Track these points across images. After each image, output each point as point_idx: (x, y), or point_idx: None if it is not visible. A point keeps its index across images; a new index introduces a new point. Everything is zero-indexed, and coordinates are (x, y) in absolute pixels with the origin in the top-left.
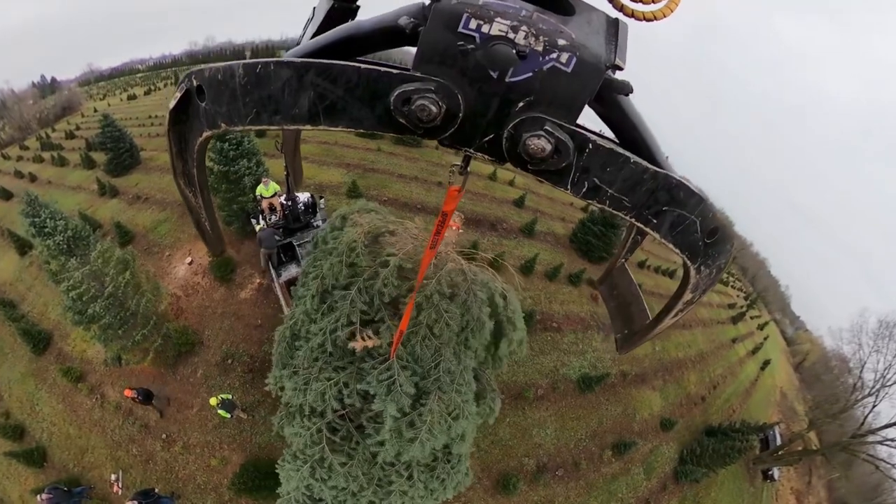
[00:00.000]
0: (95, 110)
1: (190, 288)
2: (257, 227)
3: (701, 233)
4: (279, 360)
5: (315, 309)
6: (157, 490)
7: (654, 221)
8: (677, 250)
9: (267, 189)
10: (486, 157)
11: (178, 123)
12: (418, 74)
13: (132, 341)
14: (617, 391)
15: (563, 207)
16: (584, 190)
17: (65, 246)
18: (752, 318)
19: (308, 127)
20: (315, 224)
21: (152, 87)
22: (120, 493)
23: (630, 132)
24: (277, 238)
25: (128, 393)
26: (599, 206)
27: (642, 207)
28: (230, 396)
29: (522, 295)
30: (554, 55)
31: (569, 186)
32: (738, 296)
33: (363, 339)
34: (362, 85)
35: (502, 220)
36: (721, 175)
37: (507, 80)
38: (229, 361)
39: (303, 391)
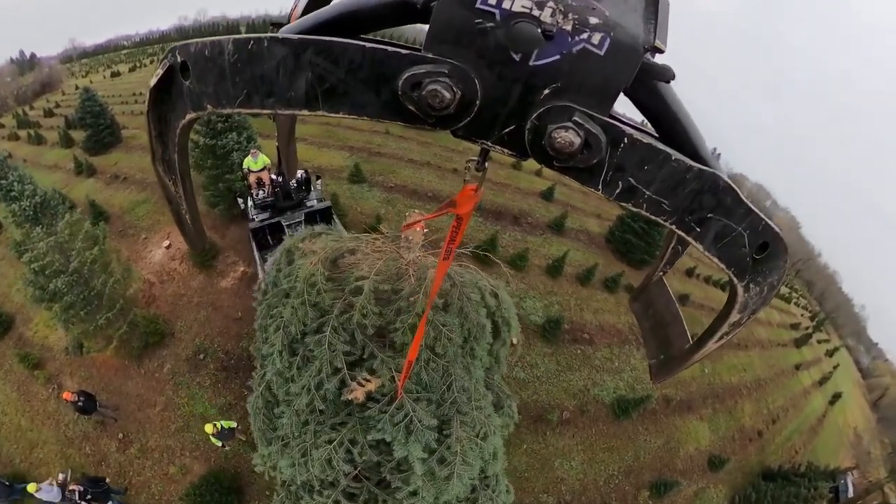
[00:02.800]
0: (77, 87)
1: (165, 274)
2: (249, 209)
3: (749, 247)
4: (261, 436)
5: (287, 366)
6: (107, 481)
7: (698, 230)
8: (722, 265)
9: (255, 162)
10: (506, 151)
11: (160, 103)
12: (430, 56)
13: (94, 325)
14: (658, 419)
15: (598, 203)
16: (618, 191)
17: (31, 213)
18: (819, 342)
19: (305, 112)
20: (308, 203)
21: (137, 64)
22: (69, 494)
23: (671, 124)
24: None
25: (67, 396)
26: (635, 209)
27: (684, 212)
28: (234, 425)
29: (548, 300)
30: (584, 35)
31: (600, 186)
32: (802, 315)
33: (359, 384)
34: (367, 66)
35: (527, 214)
36: (783, 171)
37: (530, 63)
38: (201, 357)
39: (303, 465)
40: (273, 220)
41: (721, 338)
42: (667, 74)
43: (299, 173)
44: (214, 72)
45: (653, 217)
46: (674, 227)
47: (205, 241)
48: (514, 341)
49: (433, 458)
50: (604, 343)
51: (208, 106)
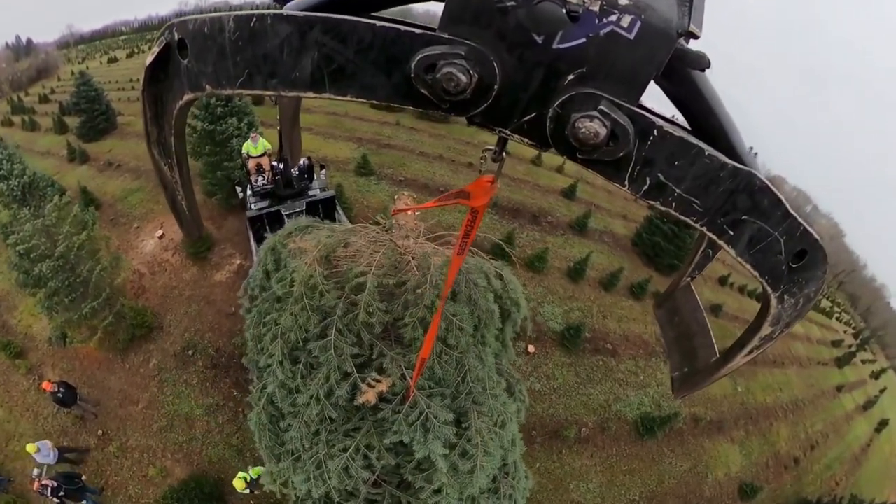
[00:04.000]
0: (73, 74)
1: (157, 265)
2: (247, 197)
3: (785, 254)
4: (269, 453)
5: (290, 376)
6: (83, 478)
7: (730, 233)
8: (756, 273)
9: (255, 146)
10: (526, 140)
11: (156, 83)
12: (446, 36)
13: (79, 314)
14: (685, 440)
15: (624, 203)
16: (646, 188)
17: (19, 193)
18: (863, 362)
19: (310, 94)
20: (311, 193)
21: (135, 50)
22: (41, 489)
23: (705, 117)
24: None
25: (46, 386)
26: (664, 209)
27: (717, 213)
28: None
29: (568, 306)
30: (613, 17)
31: (626, 182)
32: (845, 332)
33: (370, 385)
34: (377, 46)
35: (547, 213)
36: (826, 175)
37: (554, 46)
38: (190, 353)
39: (319, 478)
40: (272, 209)
41: (751, 352)
42: (702, 62)
43: (302, 160)
44: (214, 50)
45: (682, 217)
46: (704, 228)
47: (201, 229)
48: (531, 349)
49: (455, 453)
50: (628, 355)
51: (207, 86)
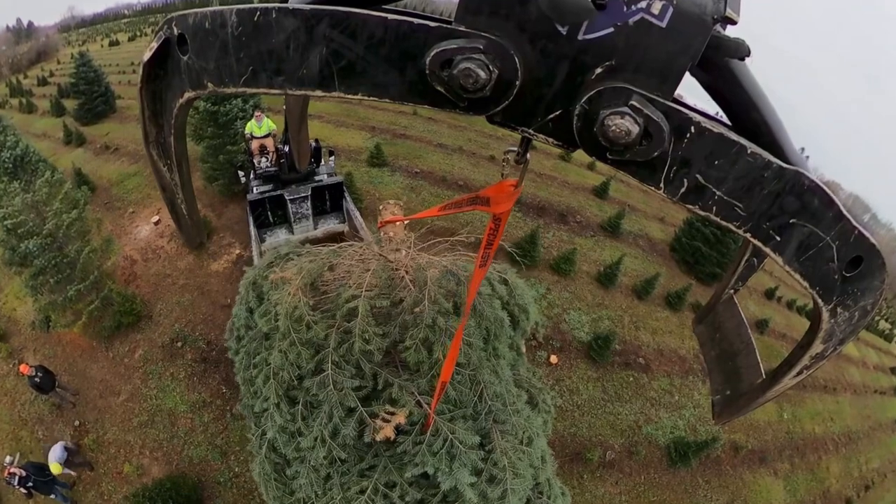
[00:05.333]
0: (73, 57)
1: (150, 252)
2: (251, 181)
3: (838, 261)
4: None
5: (290, 419)
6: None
7: (777, 239)
8: (805, 283)
9: (259, 127)
10: (552, 140)
11: (155, 80)
12: (462, 29)
13: (64, 297)
14: (723, 471)
15: (661, 204)
16: (683, 190)
17: (10, 166)
18: None
19: (318, 93)
20: (317, 178)
21: (137, 33)
22: (9, 478)
23: (746, 111)
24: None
25: (24, 370)
26: (703, 213)
27: (761, 217)
28: None
29: (596, 314)
30: (643, 4)
31: (661, 184)
32: None
33: (384, 420)
34: (389, 41)
35: (575, 212)
36: (886, 180)
37: (579, 37)
38: (179, 345)
39: None
40: (275, 193)
41: (800, 372)
42: (741, 50)
43: (310, 142)
44: (216, 46)
45: (724, 223)
46: (748, 235)
47: (202, 235)
48: (554, 360)
49: (482, 480)
50: (662, 371)
51: (209, 84)
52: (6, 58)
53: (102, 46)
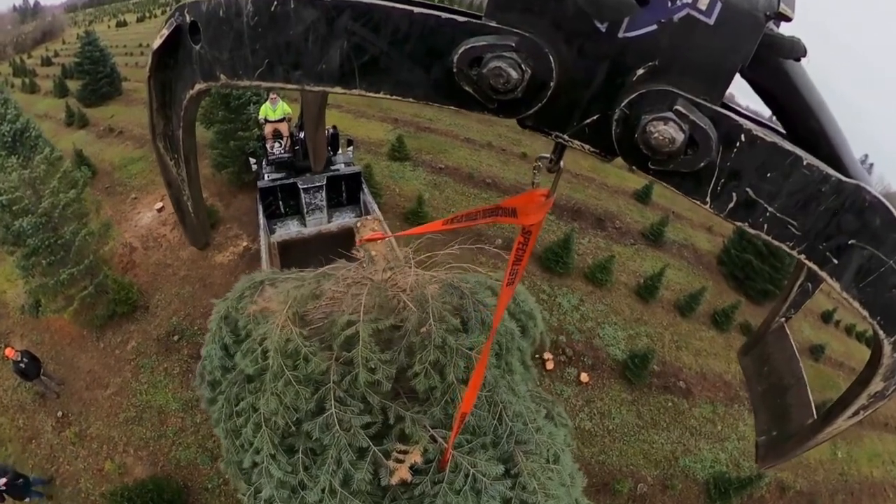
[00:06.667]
0: (79, 37)
1: (151, 240)
2: (262, 168)
3: None
4: None
5: (290, 470)
6: (31, 477)
7: (834, 262)
8: (865, 312)
9: (274, 110)
10: (588, 147)
11: (164, 69)
12: (493, 25)
13: (56, 280)
14: None
15: (710, 212)
16: (732, 205)
17: (9, 140)
18: None
19: (338, 90)
20: (333, 167)
21: (147, 14)
22: None
23: (802, 118)
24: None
25: (9, 353)
26: (753, 231)
27: (817, 237)
28: None
29: (634, 330)
30: None
31: (708, 198)
32: None
33: (397, 461)
34: (414, 36)
35: (614, 217)
36: None
37: (620, 35)
38: (175, 338)
39: None
40: (288, 182)
41: (857, 413)
42: (796, 50)
43: (328, 129)
44: (230, 36)
45: (776, 242)
46: (803, 256)
47: (207, 235)
48: (584, 378)
49: None
50: (705, 397)
51: (222, 76)
52: (11, 37)
53: (109, 27)
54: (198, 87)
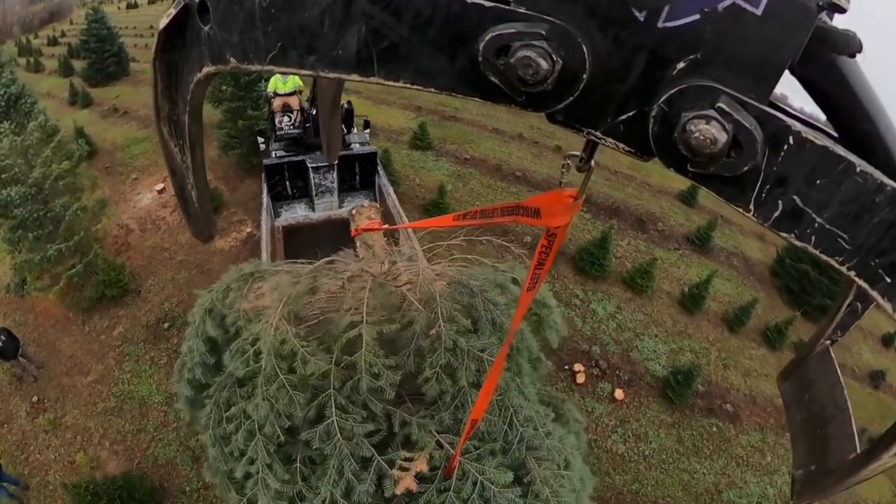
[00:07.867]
0: (86, 15)
1: (150, 222)
2: (270, 145)
3: None
4: None
5: (287, 480)
6: None
7: (887, 281)
8: None
9: (284, 82)
10: (622, 146)
11: (171, 50)
12: (522, 10)
13: (43, 255)
14: None
15: None
16: (777, 214)
17: (3, 104)
18: None
19: (355, 77)
20: (349, 144)
21: None
22: None
23: (856, 120)
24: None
25: None
26: (800, 244)
27: (870, 253)
28: None
29: (677, 344)
30: None
31: (752, 205)
32: None
33: (401, 469)
34: (438, 22)
35: (656, 219)
36: None
37: (660, 24)
38: (166, 326)
39: None
40: (296, 159)
41: None
42: (851, 45)
43: (343, 103)
44: (241, 17)
45: (824, 257)
46: (853, 273)
47: (212, 227)
48: (619, 395)
49: None
50: (753, 423)
51: (232, 59)
52: (18, 17)
53: (119, 8)
54: (206, 69)
